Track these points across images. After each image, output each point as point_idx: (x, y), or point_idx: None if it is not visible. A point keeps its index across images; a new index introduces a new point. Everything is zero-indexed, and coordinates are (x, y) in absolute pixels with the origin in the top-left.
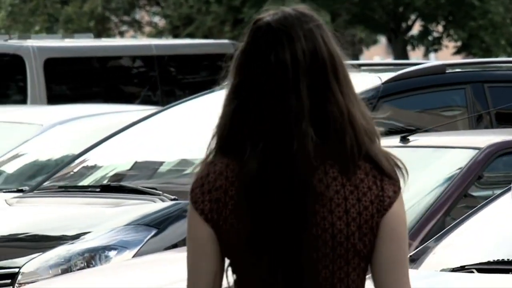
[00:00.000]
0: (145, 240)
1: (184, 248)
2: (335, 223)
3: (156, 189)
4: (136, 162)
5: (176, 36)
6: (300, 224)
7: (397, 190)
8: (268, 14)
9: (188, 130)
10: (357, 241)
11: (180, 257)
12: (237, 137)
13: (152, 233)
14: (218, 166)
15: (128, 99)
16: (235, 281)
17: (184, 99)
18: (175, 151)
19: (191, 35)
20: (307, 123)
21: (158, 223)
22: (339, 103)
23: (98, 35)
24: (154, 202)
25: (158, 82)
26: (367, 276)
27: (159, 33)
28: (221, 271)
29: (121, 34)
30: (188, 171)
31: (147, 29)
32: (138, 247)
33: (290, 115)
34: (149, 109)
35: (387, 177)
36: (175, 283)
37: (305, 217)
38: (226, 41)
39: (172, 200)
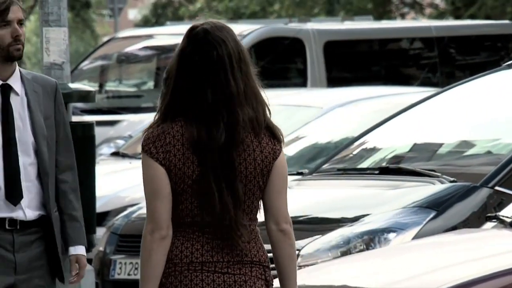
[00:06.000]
0: (424, 222)
1: (465, 230)
2: (248, 167)
3: (434, 171)
4: (415, 144)
5: (458, 17)
6: (226, 169)
7: (282, 146)
8: (200, 23)
9: (468, 111)
10: (259, 179)
11: (460, 239)
12: (180, 108)
13: (431, 215)
14: (165, 128)
15: (407, 81)
16: (173, 208)
17: (464, 80)
18: (454, 133)
19: (473, 16)
20: (243, 99)
21: (437, 205)
22: (254, 85)
23: (379, 17)
24: (433, 184)
25: (437, 64)
26: None
27: (440, 15)
28: (170, 199)
29: (402, 16)
30: (469, 152)
31: (428, 10)
32: (417, 229)
33: (231, 94)
34: (428, 90)
35: (276, 138)
36: (454, 265)
37: (230, 163)
38: (507, 21)
39: (451, 182)
